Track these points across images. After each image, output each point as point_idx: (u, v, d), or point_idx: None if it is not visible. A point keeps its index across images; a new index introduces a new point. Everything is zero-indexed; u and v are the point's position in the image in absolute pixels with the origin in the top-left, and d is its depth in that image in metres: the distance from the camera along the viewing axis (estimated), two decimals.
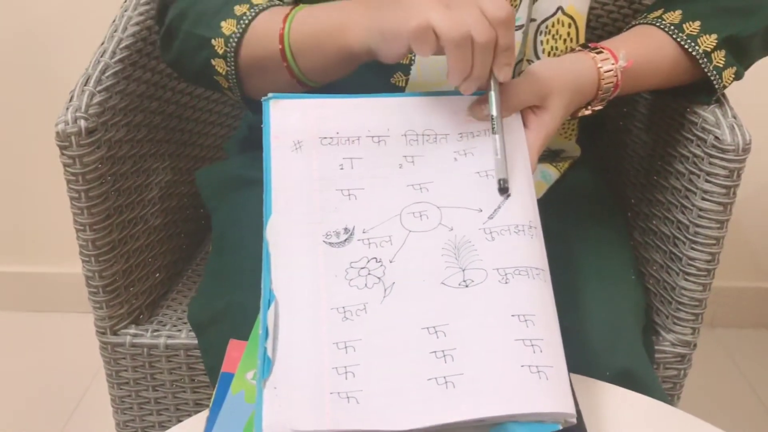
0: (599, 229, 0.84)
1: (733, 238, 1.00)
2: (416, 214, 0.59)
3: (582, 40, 0.79)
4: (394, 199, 0.60)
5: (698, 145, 0.81)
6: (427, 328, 0.54)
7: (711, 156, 0.79)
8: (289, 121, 0.62)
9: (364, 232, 0.58)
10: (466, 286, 0.55)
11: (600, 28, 1.00)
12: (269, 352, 0.52)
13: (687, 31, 0.76)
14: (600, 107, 0.73)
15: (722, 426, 0.60)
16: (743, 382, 1.55)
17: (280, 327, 0.53)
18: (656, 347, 0.87)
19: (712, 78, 0.77)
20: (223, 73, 0.74)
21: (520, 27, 0.75)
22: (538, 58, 0.78)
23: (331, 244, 0.57)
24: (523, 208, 0.59)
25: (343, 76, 0.71)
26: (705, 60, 0.76)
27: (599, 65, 0.70)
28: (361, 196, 0.60)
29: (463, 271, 0.56)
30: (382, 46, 0.63)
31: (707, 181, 0.79)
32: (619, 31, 0.80)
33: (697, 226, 0.81)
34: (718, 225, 0.81)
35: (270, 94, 0.63)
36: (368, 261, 0.57)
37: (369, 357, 0.52)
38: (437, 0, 0.59)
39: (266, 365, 0.51)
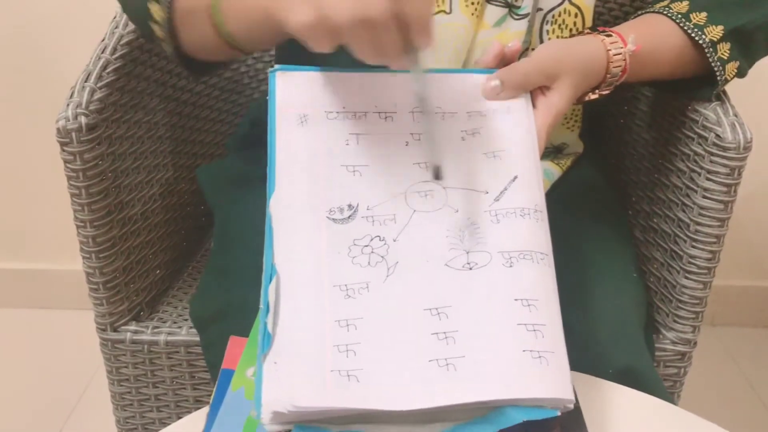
0: (601, 226, 0.84)
1: (734, 236, 1.00)
2: (422, 193, 0.58)
3: None
4: (400, 177, 0.59)
5: (699, 143, 0.81)
6: (430, 309, 0.53)
7: (712, 154, 0.78)
8: (295, 93, 0.60)
9: (368, 209, 0.57)
10: (470, 269, 0.55)
11: (602, 24, 0.99)
12: (269, 327, 0.51)
13: (694, 21, 0.76)
14: (607, 92, 0.72)
15: (722, 424, 0.60)
16: (743, 380, 1.55)
17: (281, 302, 0.52)
18: (657, 345, 0.87)
19: (715, 68, 0.77)
20: (159, 20, 0.73)
21: (525, 16, 0.75)
22: None
23: (334, 220, 0.57)
24: (530, 190, 0.58)
25: (272, 46, 0.65)
26: (711, 50, 0.76)
27: (608, 48, 0.70)
28: (366, 173, 0.59)
29: (468, 253, 0.56)
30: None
31: (708, 179, 0.79)
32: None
33: (698, 224, 0.81)
34: (719, 223, 0.80)
35: (276, 66, 0.61)
36: (372, 239, 0.56)
37: (370, 336, 0.52)
38: None
39: (266, 340, 0.51)
